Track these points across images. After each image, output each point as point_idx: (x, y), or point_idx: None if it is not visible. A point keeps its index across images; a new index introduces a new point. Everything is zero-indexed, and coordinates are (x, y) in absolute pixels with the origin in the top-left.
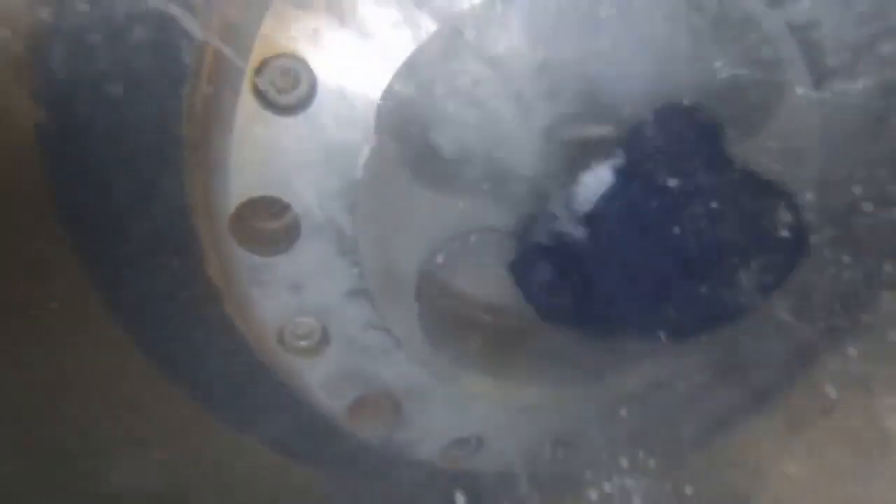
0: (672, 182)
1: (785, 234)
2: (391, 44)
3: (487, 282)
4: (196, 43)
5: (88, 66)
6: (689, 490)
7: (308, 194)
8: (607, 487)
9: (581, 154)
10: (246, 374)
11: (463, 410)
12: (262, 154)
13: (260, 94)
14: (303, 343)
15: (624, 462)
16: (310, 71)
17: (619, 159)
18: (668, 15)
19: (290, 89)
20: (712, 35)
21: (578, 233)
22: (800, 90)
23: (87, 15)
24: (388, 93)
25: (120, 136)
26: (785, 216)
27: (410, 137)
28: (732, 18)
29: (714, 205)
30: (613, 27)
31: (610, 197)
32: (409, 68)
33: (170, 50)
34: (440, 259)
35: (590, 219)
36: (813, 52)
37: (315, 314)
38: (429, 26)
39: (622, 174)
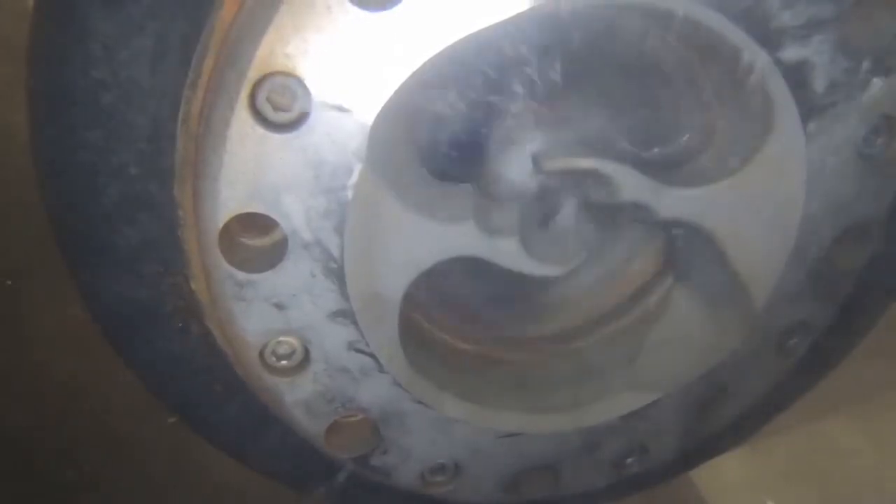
0: None
1: None
2: (387, 68)
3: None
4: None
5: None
6: None
7: (296, 213)
8: None
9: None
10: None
11: (442, 435)
12: (254, 170)
13: (255, 110)
14: (284, 363)
15: None
16: (306, 90)
17: None
18: None
19: (285, 107)
20: None
21: None
22: None
23: None
24: (382, 117)
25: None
26: None
27: (401, 162)
28: None
29: None
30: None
31: None
32: (403, 94)
33: None
34: (424, 284)
35: None
36: None
37: (297, 334)
38: (424, 53)
39: None
